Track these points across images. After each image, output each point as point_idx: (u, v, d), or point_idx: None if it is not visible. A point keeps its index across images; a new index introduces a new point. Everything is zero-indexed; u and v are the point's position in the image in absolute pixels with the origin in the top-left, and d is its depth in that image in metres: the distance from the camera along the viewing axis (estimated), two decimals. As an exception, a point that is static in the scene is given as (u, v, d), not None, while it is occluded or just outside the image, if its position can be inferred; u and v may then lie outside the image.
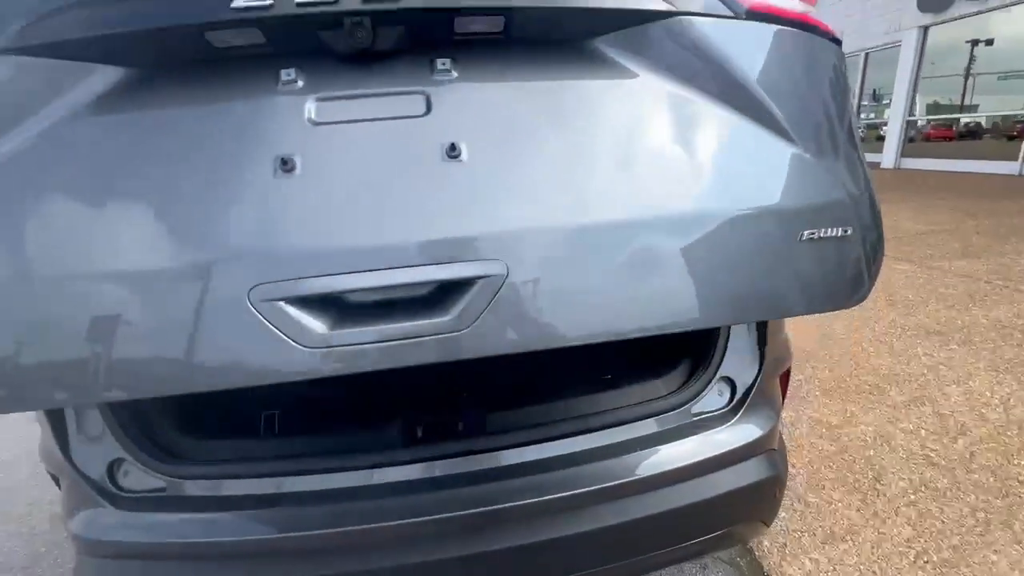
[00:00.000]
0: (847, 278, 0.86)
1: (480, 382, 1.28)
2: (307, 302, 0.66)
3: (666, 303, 0.75)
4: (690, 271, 0.75)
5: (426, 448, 1.03)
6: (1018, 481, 1.84)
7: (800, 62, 0.85)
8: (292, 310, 0.65)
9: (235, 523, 0.95)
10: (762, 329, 1.14)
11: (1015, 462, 1.93)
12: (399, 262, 0.67)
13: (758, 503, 1.14)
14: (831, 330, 3.23)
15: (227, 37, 0.70)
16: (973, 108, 11.96)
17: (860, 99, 14.51)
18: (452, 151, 0.70)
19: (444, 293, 0.70)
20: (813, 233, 0.78)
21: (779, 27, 0.82)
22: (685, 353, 1.20)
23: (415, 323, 0.69)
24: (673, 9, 0.77)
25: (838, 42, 0.89)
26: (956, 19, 10.63)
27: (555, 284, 0.71)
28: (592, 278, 0.72)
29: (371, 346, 0.68)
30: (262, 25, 0.69)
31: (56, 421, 0.97)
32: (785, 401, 2.35)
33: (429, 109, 0.72)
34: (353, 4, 0.68)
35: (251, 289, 0.63)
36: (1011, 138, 10.48)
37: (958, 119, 12.23)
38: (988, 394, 2.39)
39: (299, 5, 0.67)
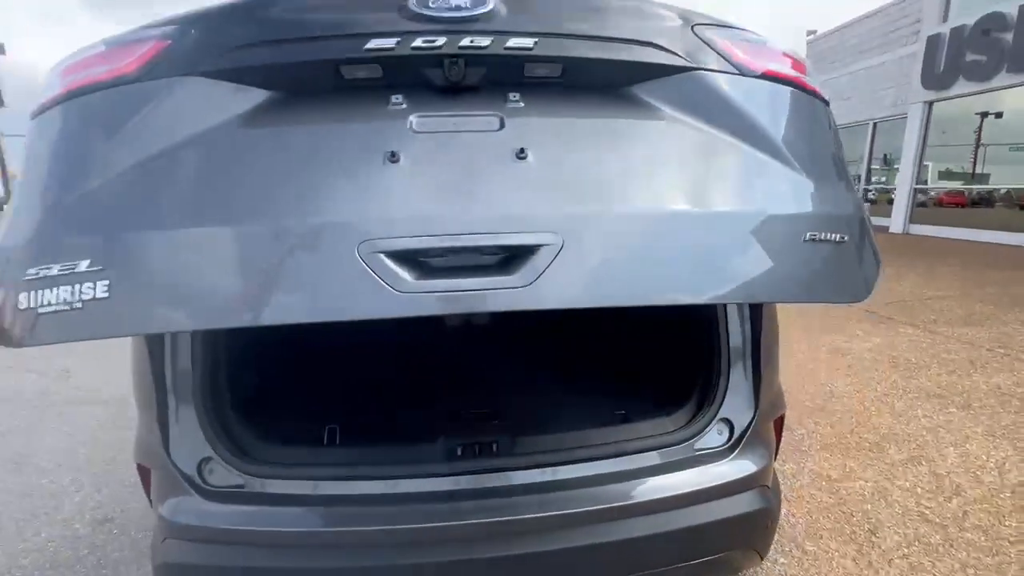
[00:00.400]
0: (845, 276, 1.02)
1: (513, 410, 1.46)
2: (399, 256, 0.83)
3: (682, 279, 0.91)
4: (702, 255, 0.92)
5: (463, 463, 1.20)
6: (1008, 541, 1.92)
7: (789, 108, 1.09)
8: (388, 261, 0.82)
9: (298, 517, 1.12)
10: (757, 378, 1.32)
11: (1007, 523, 2.02)
12: (477, 230, 0.85)
13: (752, 532, 1.28)
14: (834, 388, 3.35)
15: (355, 71, 0.96)
16: (985, 177, 12.25)
17: (870, 164, 14.95)
18: (520, 153, 0.91)
19: (513, 256, 0.85)
20: (814, 235, 0.96)
21: (776, 84, 1.06)
22: (690, 396, 1.38)
23: (489, 279, 0.84)
24: (690, 65, 1.02)
25: (826, 101, 1.13)
26: (958, 97, 11.12)
27: (600, 255, 0.88)
28: (631, 253, 0.90)
29: (450, 294, 0.83)
30: (383, 62, 0.94)
31: (161, 424, 1.17)
32: (788, 454, 2.48)
33: (503, 126, 0.94)
34: (451, 49, 0.93)
35: (359, 243, 0.81)
36: (1023, 207, 10.68)
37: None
38: (984, 458, 2.49)
39: (414, 48, 0.93)
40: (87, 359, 4.13)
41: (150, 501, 1.29)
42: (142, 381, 1.20)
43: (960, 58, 10.72)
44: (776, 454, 1.47)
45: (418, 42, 0.93)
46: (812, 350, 4.09)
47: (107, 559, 1.91)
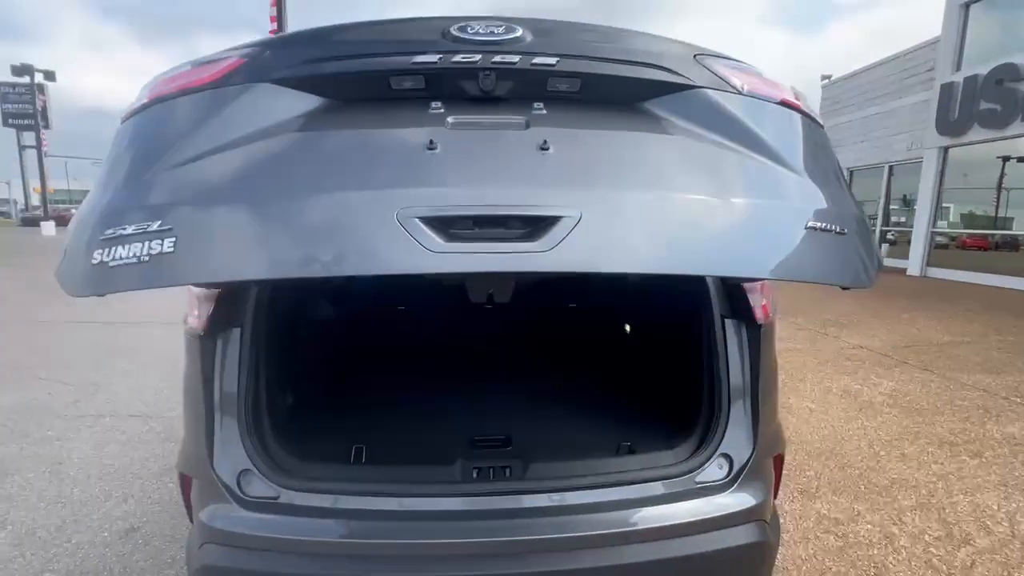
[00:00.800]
0: (850, 263, 1.12)
1: (527, 439, 1.56)
2: (431, 222, 0.91)
3: (687, 253, 1.01)
4: (705, 234, 1.02)
5: (478, 485, 1.30)
6: (1017, 593, 1.91)
7: (777, 120, 1.22)
8: (422, 226, 0.92)
9: (325, 529, 1.22)
10: (756, 415, 1.40)
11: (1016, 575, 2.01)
12: (503, 202, 0.94)
13: (750, 565, 1.33)
14: (844, 431, 3.35)
15: (402, 81, 1.12)
16: (1008, 221, 12.17)
17: (887, 205, 14.96)
18: (543, 145, 1.02)
19: (536, 226, 0.94)
20: (814, 225, 1.06)
21: (767, 103, 1.21)
22: (692, 431, 1.46)
23: (513, 244, 0.93)
24: (692, 84, 1.17)
25: (811, 118, 1.26)
26: (973, 143, 11.20)
27: (616, 229, 0.97)
28: (643, 228, 1.00)
29: (476, 255, 0.92)
30: (426, 73, 1.10)
31: (208, 437, 1.29)
32: (796, 495, 2.50)
33: (528, 127, 1.08)
34: (485, 63, 1.09)
35: (397, 211, 0.92)
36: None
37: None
38: (995, 507, 2.47)
39: (453, 62, 1.09)
40: (116, 375, 4.32)
41: (187, 508, 1.40)
42: (193, 399, 1.33)
43: (974, 106, 10.86)
44: (776, 492, 1.53)
45: (457, 57, 1.10)
46: (824, 392, 4.10)
47: (132, 567, 2.00)
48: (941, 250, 12.56)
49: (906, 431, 3.36)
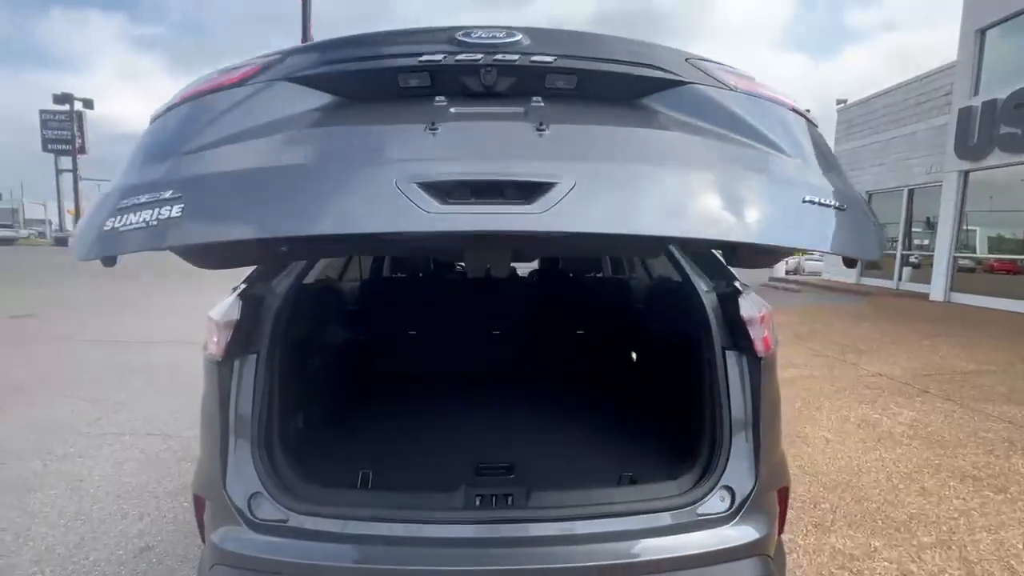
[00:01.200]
0: (854, 236, 1.12)
1: (529, 468, 1.58)
2: (429, 187, 0.94)
3: (676, 218, 1.02)
4: (697, 200, 1.04)
5: (479, 513, 1.32)
6: (1043, 639, 1.84)
7: (767, 112, 1.25)
8: (420, 191, 0.93)
9: (332, 553, 1.25)
10: (758, 447, 1.40)
11: (1042, 619, 1.93)
12: (501, 172, 0.98)
13: (752, 600, 1.32)
14: (861, 462, 3.27)
15: (409, 78, 1.18)
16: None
17: (908, 228, 14.71)
18: (540, 126, 1.04)
19: (534, 191, 0.96)
20: (811, 199, 1.07)
21: (757, 99, 1.25)
22: (694, 462, 1.46)
23: (509, 206, 0.96)
24: (683, 80, 1.22)
25: (803, 115, 1.30)
26: (994, 167, 11.03)
27: (609, 196, 1.01)
28: (635, 196, 1.03)
29: (473, 216, 0.95)
30: (431, 69, 1.17)
31: (222, 459, 1.34)
32: (809, 528, 2.45)
33: (527, 114, 1.12)
34: (487, 61, 1.15)
35: (395, 179, 0.94)
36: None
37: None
38: (1020, 546, 2.38)
39: (457, 60, 1.16)
40: (138, 394, 4.44)
41: (200, 529, 1.45)
42: (209, 422, 1.39)
43: (994, 130, 10.73)
44: (782, 526, 1.52)
45: (461, 56, 1.17)
46: (841, 422, 4.01)
47: (146, 586, 2.05)
48: (967, 274, 12.24)
49: (927, 463, 3.26)
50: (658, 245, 1.73)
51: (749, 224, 1.03)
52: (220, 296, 1.52)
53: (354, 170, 1.01)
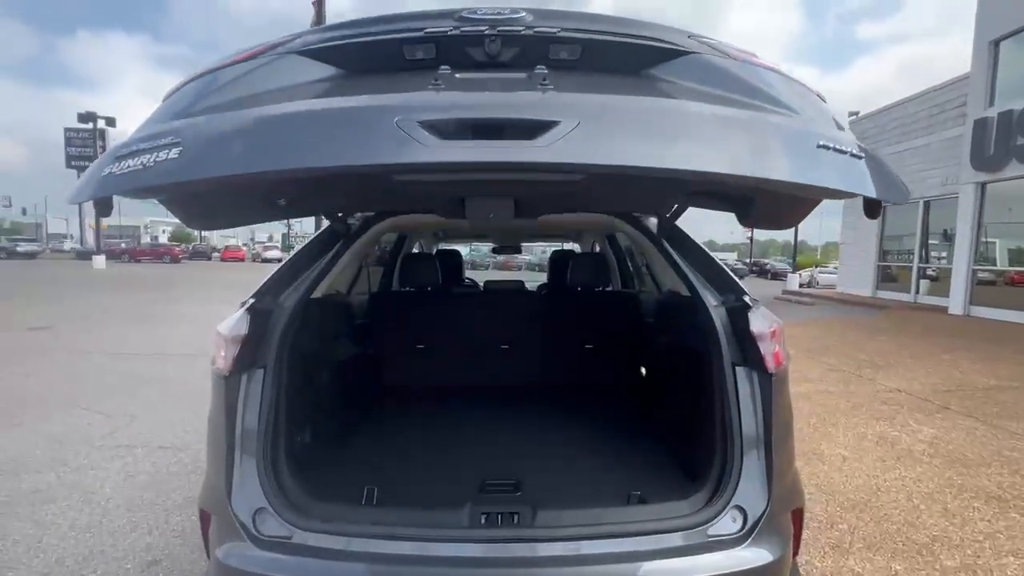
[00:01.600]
0: (877, 179, 1.07)
1: (535, 486, 1.55)
2: (429, 125, 0.93)
3: (683, 153, 0.98)
4: (706, 138, 1.01)
5: (484, 532, 1.30)
6: (1077, 671, 1.75)
7: (766, 77, 1.24)
8: (421, 129, 0.92)
9: (336, 571, 1.24)
10: (770, 466, 1.37)
11: (1075, 650, 1.84)
12: (505, 112, 0.99)
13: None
14: (880, 481, 3.18)
15: (415, 50, 1.20)
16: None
17: (925, 241, 14.48)
18: (544, 81, 1.05)
19: (537, 128, 0.94)
20: (825, 144, 1.03)
21: (756, 67, 1.25)
22: (704, 481, 1.43)
23: (513, 140, 0.95)
24: (686, 49, 1.23)
25: (803, 84, 1.29)
26: (1012, 179, 10.84)
27: (614, 130, 0.98)
28: (642, 132, 1.00)
29: (476, 148, 0.94)
30: (436, 40, 1.18)
31: (227, 474, 1.34)
32: (827, 550, 2.39)
33: (531, 76, 1.10)
34: (491, 31, 1.17)
35: (395, 118, 0.93)
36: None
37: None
38: (1050, 572, 2.29)
39: (463, 31, 1.17)
40: (151, 406, 4.48)
41: (206, 545, 1.45)
42: (216, 437, 1.40)
43: (1011, 141, 10.57)
44: (797, 548, 1.47)
45: (466, 28, 1.18)
46: (858, 439, 3.91)
47: (152, 601, 2.04)
48: (986, 287, 11.98)
49: (949, 483, 3.16)
50: (671, 195, 1.66)
51: (765, 161, 1.00)
52: (231, 309, 1.53)
53: (356, 113, 1.00)
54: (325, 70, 1.22)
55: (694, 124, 1.02)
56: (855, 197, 1.08)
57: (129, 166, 0.97)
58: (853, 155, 1.05)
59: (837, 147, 1.04)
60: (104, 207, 1.06)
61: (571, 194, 1.48)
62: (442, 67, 1.12)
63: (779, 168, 1.00)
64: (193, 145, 0.97)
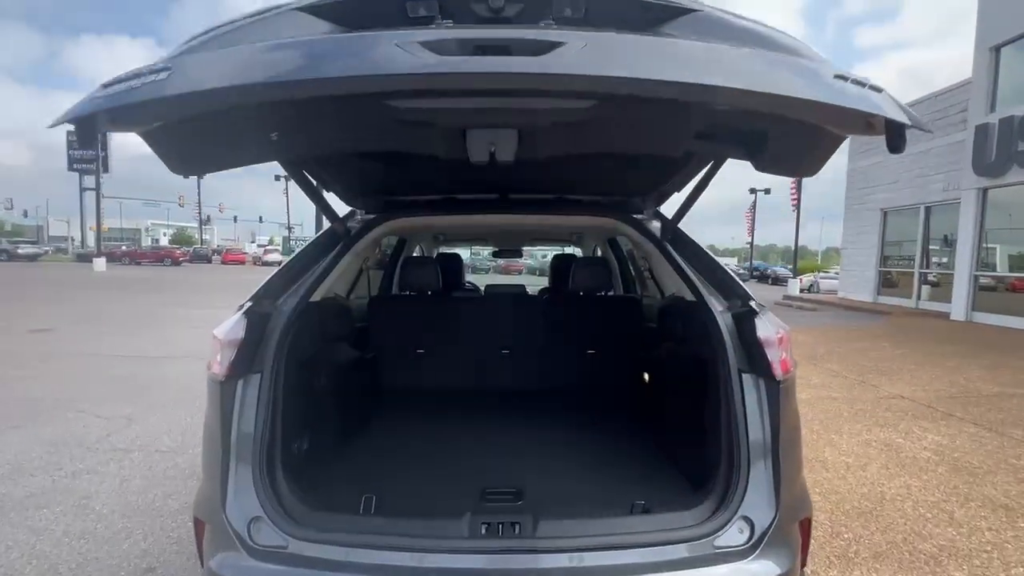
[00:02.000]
0: (893, 106, 1.05)
1: (537, 496, 1.52)
2: (430, 45, 0.92)
3: (695, 67, 0.96)
4: (721, 58, 0.99)
5: (484, 542, 1.27)
6: None
7: (777, 36, 1.17)
8: (420, 48, 0.91)
9: None
10: (778, 476, 1.34)
11: (1088, 665, 1.80)
12: (511, 34, 0.98)
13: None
14: (885, 489, 3.14)
15: (418, 7, 1.14)
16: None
17: (926, 247, 14.46)
18: (549, 23, 1.04)
19: (542, 47, 0.92)
20: (843, 76, 1.01)
21: (765, 27, 1.19)
22: (710, 491, 1.40)
23: (516, 57, 0.94)
24: (693, 7, 1.18)
25: (810, 54, 1.24)
26: (1013, 185, 10.82)
27: (623, 48, 0.97)
28: (653, 50, 0.99)
29: (479, 61, 0.93)
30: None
31: (222, 482, 1.31)
32: (832, 560, 2.34)
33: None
34: None
35: (393, 42, 0.91)
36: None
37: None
38: (1060, 583, 2.24)
39: None
40: (149, 409, 4.45)
41: (199, 554, 1.41)
42: (211, 443, 1.37)
43: (1012, 147, 10.58)
44: (805, 560, 1.44)
45: None
46: (862, 446, 3.87)
47: (146, 610, 2.01)
48: (988, 292, 11.96)
49: (955, 491, 3.12)
50: (683, 133, 1.55)
51: (782, 82, 0.97)
52: (229, 313, 1.51)
53: (354, 39, 0.99)
54: (325, 27, 1.18)
55: (704, 51, 1.01)
56: (876, 131, 1.05)
57: (116, 90, 0.95)
58: (872, 87, 1.03)
59: (855, 79, 1.02)
60: (86, 132, 1.02)
61: (578, 128, 1.42)
62: (444, 22, 1.11)
63: (797, 87, 0.98)
64: (183, 68, 0.96)
